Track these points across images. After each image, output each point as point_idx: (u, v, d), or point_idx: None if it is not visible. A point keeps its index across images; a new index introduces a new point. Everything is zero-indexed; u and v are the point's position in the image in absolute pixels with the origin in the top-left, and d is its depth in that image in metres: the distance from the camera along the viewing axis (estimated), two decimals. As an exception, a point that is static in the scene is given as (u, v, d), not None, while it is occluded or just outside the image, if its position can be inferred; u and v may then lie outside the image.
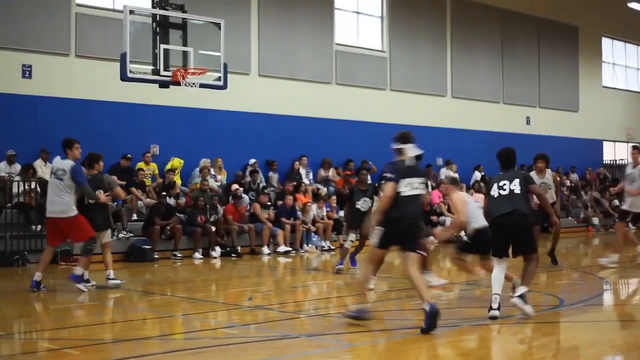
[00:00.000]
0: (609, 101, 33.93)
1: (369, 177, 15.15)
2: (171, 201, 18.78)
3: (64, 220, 11.91)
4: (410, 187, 8.80)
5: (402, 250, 8.95)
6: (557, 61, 31.58)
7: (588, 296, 11.75)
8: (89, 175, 12.55)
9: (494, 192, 9.60)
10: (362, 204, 14.22)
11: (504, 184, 9.54)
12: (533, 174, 14.81)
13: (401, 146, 9.01)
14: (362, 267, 9.07)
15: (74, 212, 11.89)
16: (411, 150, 9.02)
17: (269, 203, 20.24)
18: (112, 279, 12.63)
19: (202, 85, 14.91)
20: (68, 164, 11.88)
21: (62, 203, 11.84)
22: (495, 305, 9.13)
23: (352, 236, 14.30)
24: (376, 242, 9.11)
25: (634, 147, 15.34)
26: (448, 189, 11.58)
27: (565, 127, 31.39)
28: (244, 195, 20.08)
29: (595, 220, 27.39)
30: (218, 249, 18.26)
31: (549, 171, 14.81)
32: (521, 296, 9.24)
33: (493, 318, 9.11)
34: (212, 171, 20.51)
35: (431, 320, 8.33)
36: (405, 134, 9.10)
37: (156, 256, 17.31)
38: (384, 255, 9.82)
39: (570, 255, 16.89)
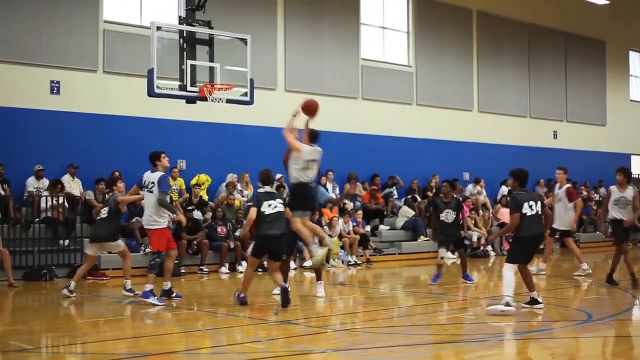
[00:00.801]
0: (637, 115, 33.66)
1: (452, 191, 15.94)
2: (198, 216, 18.85)
3: (149, 232, 12.55)
4: (270, 207, 11.86)
5: (269, 259, 12.26)
6: (584, 75, 31.42)
7: (617, 311, 11.66)
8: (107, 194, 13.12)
9: (526, 210, 10.97)
10: (445, 216, 14.97)
11: (532, 205, 11.01)
12: (614, 187, 14.52)
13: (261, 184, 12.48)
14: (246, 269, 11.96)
15: (156, 225, 12.35)
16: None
17: (295, 218, 20.21)
18: (129, 289, 13.10)
19: (229, 101, 14.95)
20: (157, 175, 12.35)
21: (148, 214, 12.39)
22: (513, 303, 10.75)
23: (443, 251, 15.02)
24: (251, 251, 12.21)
25: (559, 168, 16.05)
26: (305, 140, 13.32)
27: (593, 141, 31.18)
28: (271, 210, 20.05)
29: (624, 235, 27.05)
30: (244, 264, 18.29)
31: (630, 187, 14.50)
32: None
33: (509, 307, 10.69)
34: (239, 186, 20.57)
35: (285, 296, 11.51)
36: (264, 173, 12.64)
37: (183, 271, 17.36)
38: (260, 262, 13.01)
39: (598, 270, 16.74)
